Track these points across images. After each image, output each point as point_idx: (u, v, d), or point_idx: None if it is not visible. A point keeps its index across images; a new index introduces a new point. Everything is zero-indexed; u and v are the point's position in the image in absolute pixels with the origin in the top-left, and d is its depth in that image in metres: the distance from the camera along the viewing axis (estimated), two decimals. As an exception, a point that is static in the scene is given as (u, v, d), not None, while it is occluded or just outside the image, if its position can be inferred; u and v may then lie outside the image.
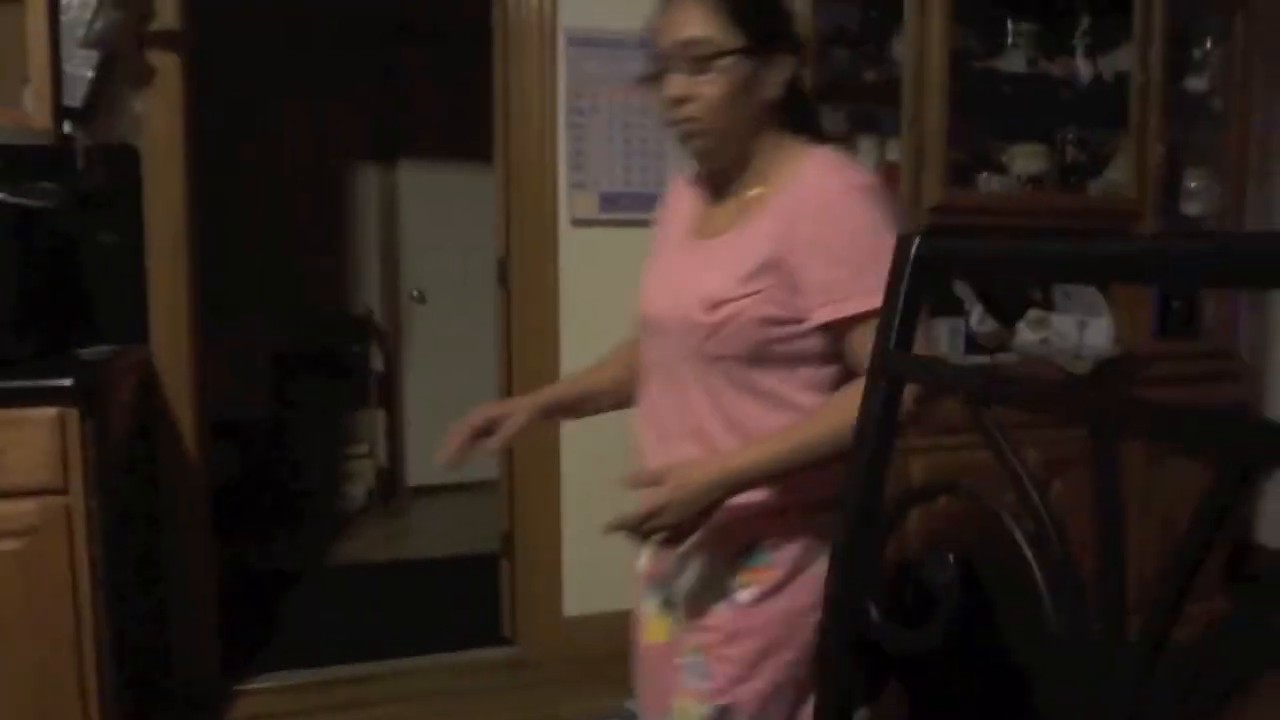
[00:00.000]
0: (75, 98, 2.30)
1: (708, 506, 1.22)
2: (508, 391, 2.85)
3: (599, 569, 2.78)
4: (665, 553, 1.36)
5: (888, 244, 1.25)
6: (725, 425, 1.30)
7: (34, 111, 2.19)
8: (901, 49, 2.58)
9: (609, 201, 2.80)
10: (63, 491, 1.83)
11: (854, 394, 1.21)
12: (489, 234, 3.06)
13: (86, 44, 2.28)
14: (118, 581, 2.00)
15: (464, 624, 3.12)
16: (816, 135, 1.38)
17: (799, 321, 1.25)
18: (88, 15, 2.27)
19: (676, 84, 1.28)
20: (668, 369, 1.35)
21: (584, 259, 2.80)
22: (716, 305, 1.27)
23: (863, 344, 1.19)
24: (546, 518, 2.89)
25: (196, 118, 2.56)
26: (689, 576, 1.37)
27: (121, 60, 2.40)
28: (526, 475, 2.90)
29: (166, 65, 2.46)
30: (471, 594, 3.33)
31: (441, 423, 1.54)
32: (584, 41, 2.74)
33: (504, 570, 3.05)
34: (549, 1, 2.71)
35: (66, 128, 2.31)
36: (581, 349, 2.73)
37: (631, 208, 2.79)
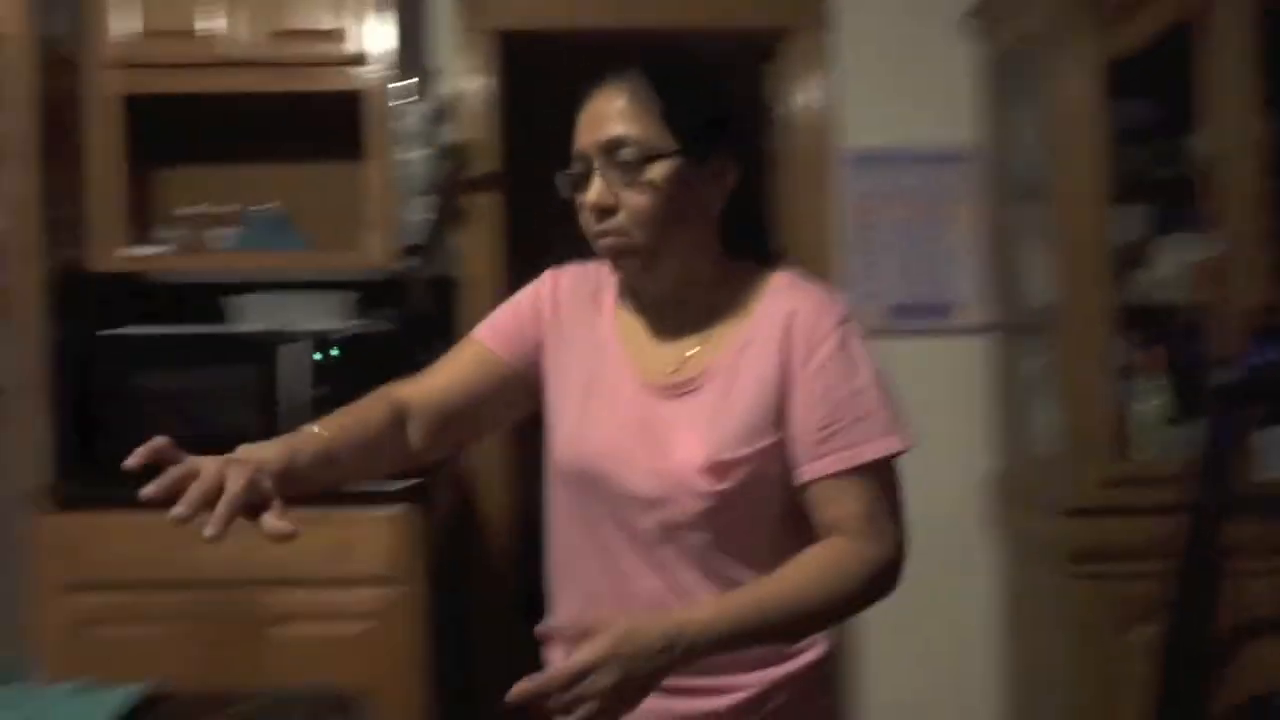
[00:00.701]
0: (410, 238, 2.65)
1: (652, 673, 0.94)
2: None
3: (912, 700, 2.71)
4: None
5: (881, 386, 1.15)
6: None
7: (376, 251, 2.53)
8: (1202, 143, 2.46)
9: (899, 312, 2.84)
10: (402, 581, 2.08)
11: (835, 557, 1.06)
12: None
13: (421, 193, 2.64)
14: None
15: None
16: (770, 258, 1.21)
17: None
18: (422, 168, 2.63)
19: (596, 190, 1.09)
20: (637, 545, 1.12)
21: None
22: (724, 468, 1.08)
23: (844, 498, 1.07)
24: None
25: (511, 248, 2.87)
26: None
27: (449, 202, 2.74)
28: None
29: (485, 204, 2.79)
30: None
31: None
32: (864, 159, 2.84)
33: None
34: (827, 124, 2.83)
35: (402, 264, 2.66)
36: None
37: (918, 316, 2.81)
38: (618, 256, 1.12)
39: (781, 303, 1.14)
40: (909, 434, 1.11)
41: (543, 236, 4.95)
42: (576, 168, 1.12)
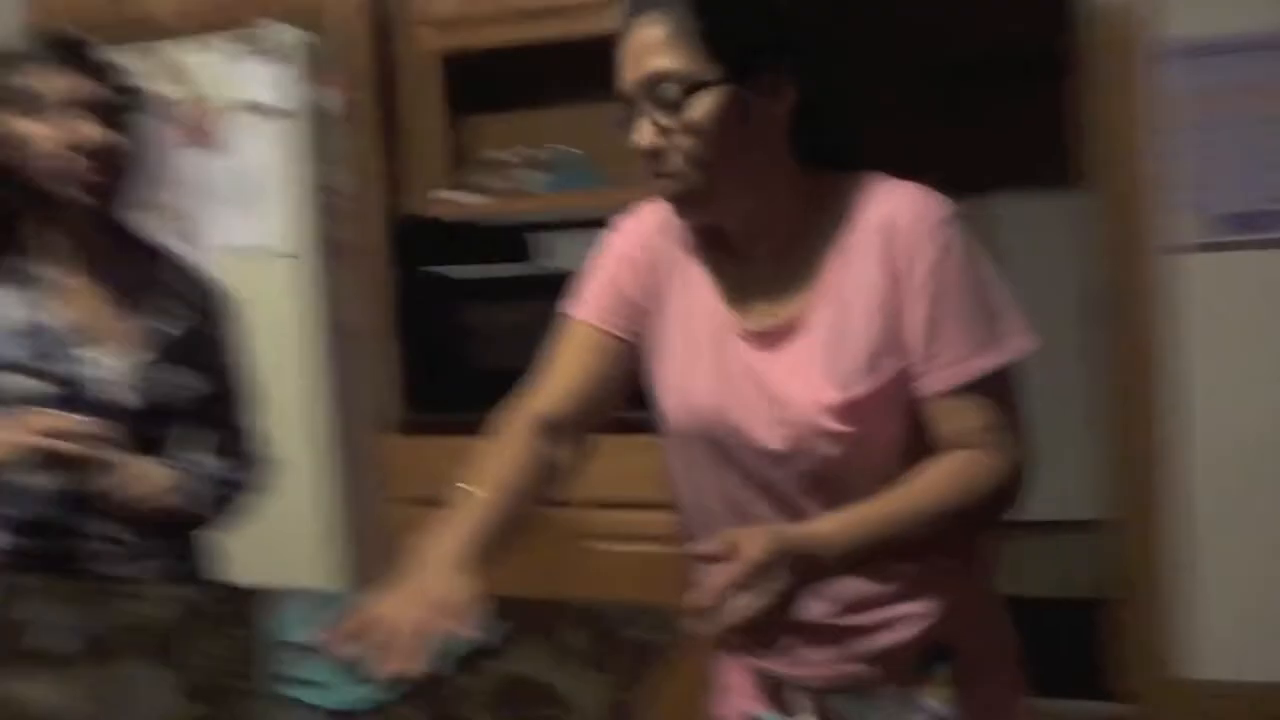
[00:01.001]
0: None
1: (790, 585, 0.89)
2: (1118, 423, 2.67)
3: (1247, 627, 2.48)
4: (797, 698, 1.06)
5: (994, 290, 1.03)
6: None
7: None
8: None
9: (1239, 222, 2.50)
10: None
11: (960, 467, 1.01)
12: (1058, 265, 2.90)
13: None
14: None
15: (1058, 671, 2.97)
16: (857, 162, 1.09)
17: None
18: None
19: (645, 132, 1.00)
20: (773, 500, 1.07)
21: (1206, 287, 2.53)
22: (853, 407, 1.00)
23: (962, 412, 1.01)
24: (1166, 562, 2.65)
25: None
26: None
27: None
28: (1142, 511, 2.69)
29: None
30: (1068, 639, 3.16)
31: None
32: (1191, 50, 2.50)
33: (1110, 618, 2.85)
34: (1143, 14, 2.52)
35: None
36: (1205, 383, 2.49)
37: (1268, 227, 2.47)
38: (677, 202, 1.04)
39: (875, 210, 1.03)
40: (1027, 338, 1.03)
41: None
42: (622, 108, 1.03)
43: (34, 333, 1.33)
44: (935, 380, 1.01)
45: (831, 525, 0.96)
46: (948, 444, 1.02)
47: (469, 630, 0.91)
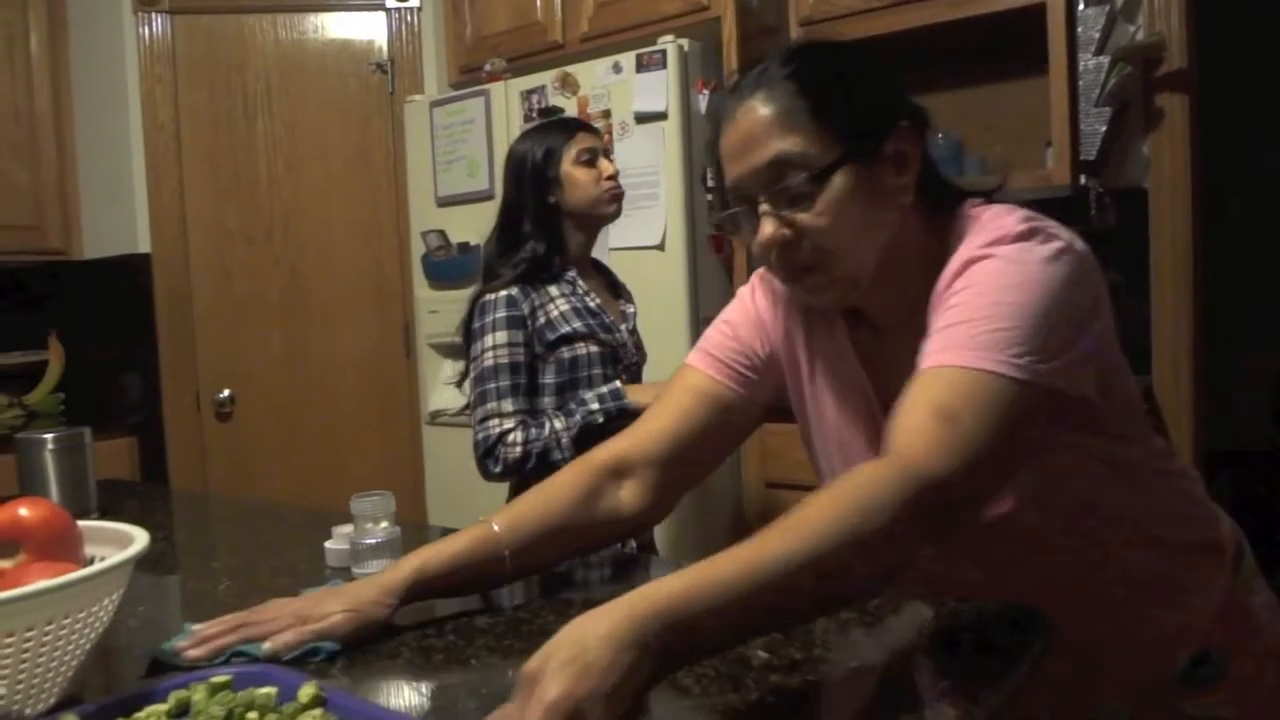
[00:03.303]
0: (1090, 151, 2.54)
1: (626, 679, 0.65)
2: None
3: None
4: None
5: (1032, 311, 0.83)
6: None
7: (1054, 168, 2.48)
8: None
9: None
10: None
11: (855, 480, 0.78)
12: None
13: (1100, 103, 2.50)
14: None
15: None
16: (964, 193, 1.01)
17: None
18: (1102, 76, 2.48)
19: (770, 227, 0.93)
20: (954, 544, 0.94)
21: None
22: None
23: (912, 394, 0.84)
24: None
25: (1201, 156, 2.58)
26: None
27: (1132, 109, 2.56)
28: None
29: (1174, 106, 2.54)
30: None
31: None
32: None
33: None
34: None
35: (1081, 179, 2.56)
36: None
37: None
38: (815, 291, 0.98)
39: (966, 243, 0.94)
40: (1040, 372, 0.84)
41: (1236, 138, 4.37)
42: (735, 204, 0.97)
43: (588, 313, 1.89)
44: (924, 359, 0.88)
45: (678, 583, 0.72)
46: (892, 431, 0.84)
47: (329, 642, 0.93)
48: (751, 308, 1.14)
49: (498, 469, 1.80)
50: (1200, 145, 2.58)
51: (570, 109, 2.74)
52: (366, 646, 0.96)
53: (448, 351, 3.13)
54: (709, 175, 2.65)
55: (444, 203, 3.10)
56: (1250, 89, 4.08)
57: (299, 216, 3.40)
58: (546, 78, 2.81)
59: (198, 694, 0.79)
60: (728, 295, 2.74)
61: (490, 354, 1.83)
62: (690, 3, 2.79)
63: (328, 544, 1.29)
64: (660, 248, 2.62)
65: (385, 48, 3.42)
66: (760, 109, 0.93)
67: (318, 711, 0.76)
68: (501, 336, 1.83)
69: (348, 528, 1.27)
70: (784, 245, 0.95)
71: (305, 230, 3.41)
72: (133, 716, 0.76)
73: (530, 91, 2.86)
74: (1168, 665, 1.03)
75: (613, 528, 1.10)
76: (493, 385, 1.82)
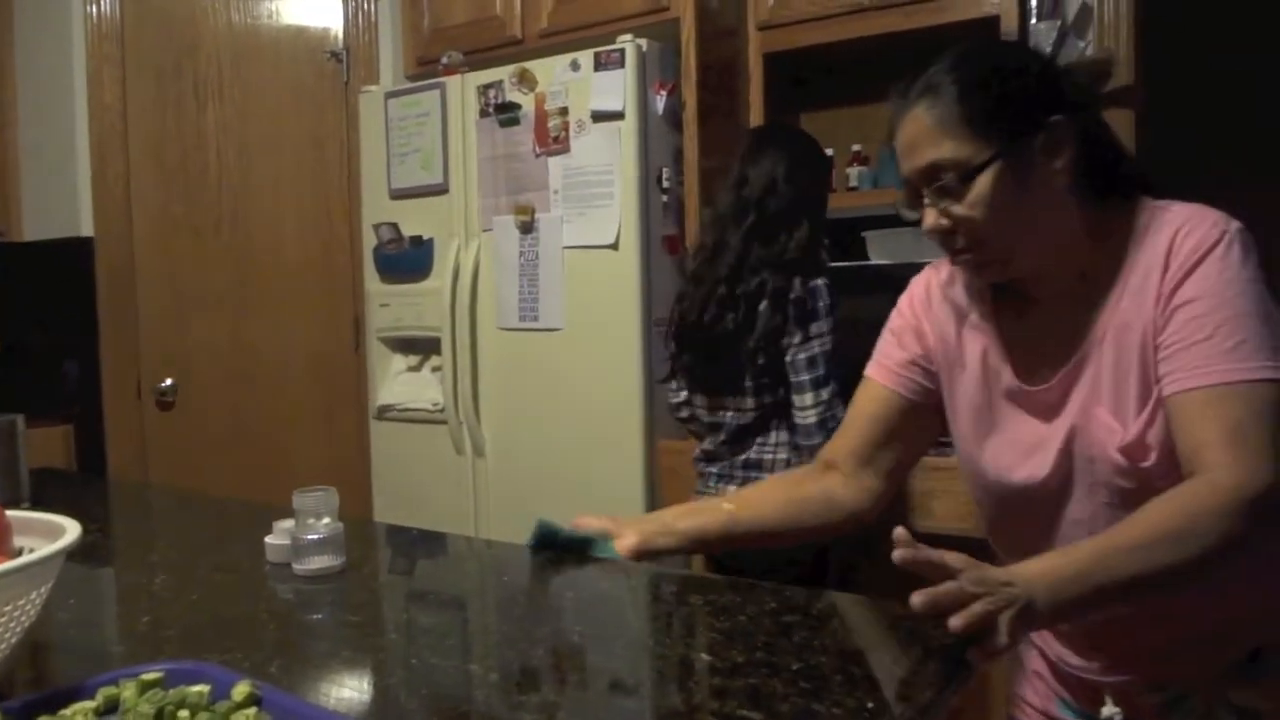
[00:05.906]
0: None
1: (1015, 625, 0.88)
2: None
3: None
4: None
5: (1265, 310, 0.95)
6: None
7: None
8: None
9: None
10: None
11: (1185, 492, 0.95)
12: None
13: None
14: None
15: None
16: (1136, 185, 1.09)
17: None
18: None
19: (930, 216, 1.05)
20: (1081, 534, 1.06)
21: None
22: (1138, 445, 1.01)
23: (1200, 421, 0.95)
24: None
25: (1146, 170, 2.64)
26: None
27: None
28: None
29: (1120, 122, 2.59)
30: None
31: None
32: None
33: None
34: None
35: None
36: None
37: None
38: (977, 270, 1.10)
39: (1155, 240, 1.03)
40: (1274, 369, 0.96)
41: (1182, 153, 4.44)
42: (907, 192, 1.09)
43: None
44: (1182, 379, 0.98)
45: (1039, 565, 0.94)
46: (1188, 458, 0.97)
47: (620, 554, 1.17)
48: (909, 315, 1.26)
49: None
50: (1146, 160, 2.63)
51: (527, 105, 2.73)
52: (304, 644, 0.94)
53: (397, 346, 3.10)
54: (664, 176, 2.65)
55: (397, 195, 3.06)
56: (1195, 105, 4.17)
57: (248, 204, 3.34)
58: (504, 73, 2.79)
59: (127, 691, 0.77)
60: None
61: (830, 338, 2.01)
62: (650, 2, 2.79)
63: (268, 539, 1.27)
64: (614, 247, 2.62)
65: (341, 36, 3.38)
66: (922, 117, 1.04)
67: (251, 710, 0.74)
68: (831, 322, 2.02)
69: (289, 523, 1.25)
70: (943, 232, 1.06)
71: (254, 218, 3.35)
72: (59, 714, 0.74)
73: (487, 86, 2.84)
74: (1229, 654, 1.08)
75: (837, 515, 1.25)
76: (831, 368, 2.00)
